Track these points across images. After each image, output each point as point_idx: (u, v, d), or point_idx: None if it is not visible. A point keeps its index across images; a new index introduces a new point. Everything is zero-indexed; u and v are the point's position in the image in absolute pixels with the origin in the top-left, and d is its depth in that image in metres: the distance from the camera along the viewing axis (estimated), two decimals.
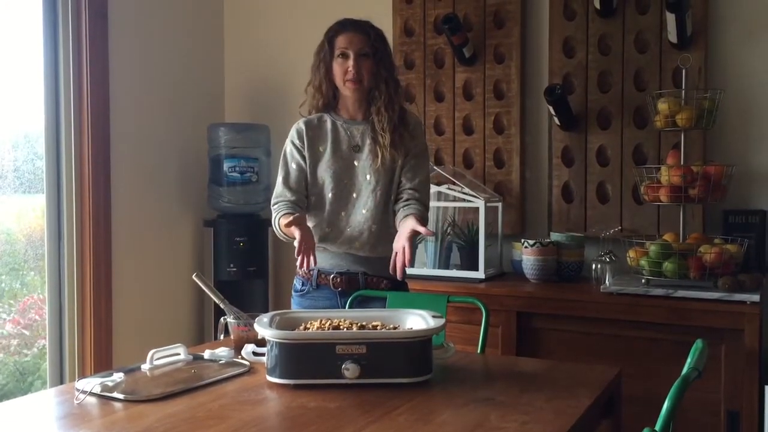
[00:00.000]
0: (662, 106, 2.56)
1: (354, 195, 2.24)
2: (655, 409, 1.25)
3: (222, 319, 2.03)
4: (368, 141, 2.24)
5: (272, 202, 2.28)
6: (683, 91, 2.56)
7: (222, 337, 2.07)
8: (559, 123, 2.96)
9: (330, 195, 2.24)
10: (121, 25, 3.14)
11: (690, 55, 2.66)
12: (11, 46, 2.94)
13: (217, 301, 2.01)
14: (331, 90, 2.27)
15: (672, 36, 2.73)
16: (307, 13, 3.52)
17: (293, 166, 2.28)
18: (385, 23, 3.29)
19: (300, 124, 2.30)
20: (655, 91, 2.72)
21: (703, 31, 2.75)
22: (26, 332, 3.01)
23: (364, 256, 2.25)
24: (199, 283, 2.01)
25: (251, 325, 1.83)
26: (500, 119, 3.09)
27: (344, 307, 2.23)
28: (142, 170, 3.26)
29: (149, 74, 3.30)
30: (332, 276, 2.26)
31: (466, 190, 2.89)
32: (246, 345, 1.81)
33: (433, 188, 2.89)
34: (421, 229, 2.02)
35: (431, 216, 2.74)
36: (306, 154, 2.27)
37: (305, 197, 2.28)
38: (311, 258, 2.03)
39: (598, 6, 2.86)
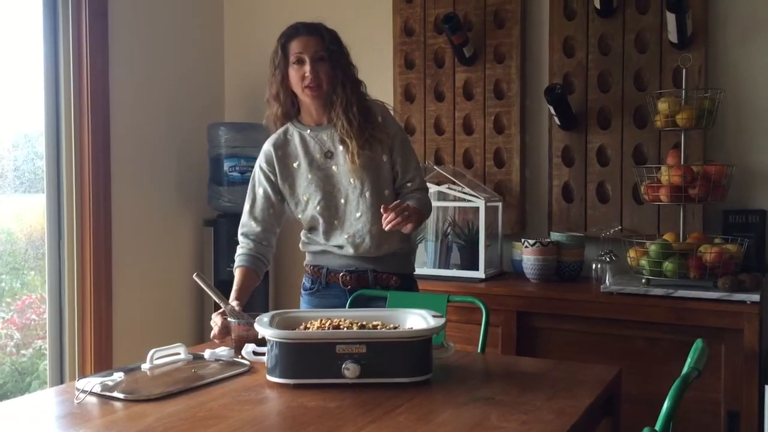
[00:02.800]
0: (662, 105, 2.56)
1: (342, 201, 2.20)
2: (654, 409, 1.25)
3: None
4: (339, 146, 2.18)
5: (239, 231, 2.26)
6: (683, 91, 2.56)
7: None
8: (559, 123, 2.96)
9: (318, 209, 2.19)
10: (121, 24, 3.14)
11: (690, 54, 2.66)
12: (11, 46, 2.94)
13: (217, 301, 2.01)
14: (288, 98, 2.21)
15: (672, 36, 2.73)
16: (307, 12, 3.47)
17: (260, 191, 2.25)
18: (385, 23, 3.29)
19: (268, 146, 2.26)
20: (655, 90, 2.72)
21: (703, 30, 2.75)
22: (24, 332, 3.01)
23: (370, 256, 2.23)
24: (200, 283, 2.01)
25: (251, 325, 1.83)
26: (500, 119, 3.09)
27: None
28: (142, 170, 3.26)
29: (149, 74, 3.30)
30: (341, 274, 2.23)
31: (467, 189, 2.89)
32: (246, 344, 1.81)
33: (434, 188, 2.89)
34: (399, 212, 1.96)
35: (431, 215, 2.73)
36: (278, 180, 2.23)
37: (270, 225, 2.25)
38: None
39: (598, 6, 2.86)
